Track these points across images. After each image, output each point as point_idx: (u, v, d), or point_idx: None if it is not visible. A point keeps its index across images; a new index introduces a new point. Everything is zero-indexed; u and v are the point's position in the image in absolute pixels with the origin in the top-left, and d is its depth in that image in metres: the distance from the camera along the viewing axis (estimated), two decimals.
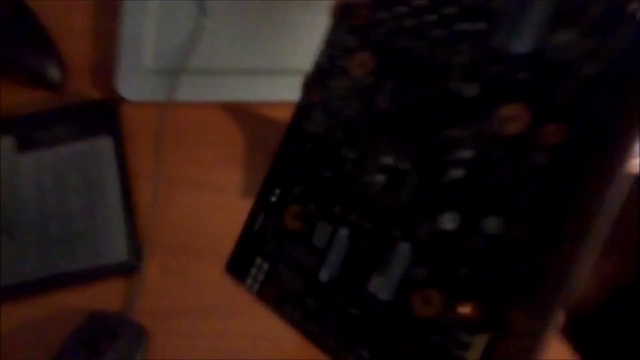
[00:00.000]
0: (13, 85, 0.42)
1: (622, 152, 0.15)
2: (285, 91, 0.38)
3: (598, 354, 0.18)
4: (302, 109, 0.21)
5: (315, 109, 0.21)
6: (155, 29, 0.42)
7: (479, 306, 0.16)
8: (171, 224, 0.38)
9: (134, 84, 0.41)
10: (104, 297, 0.37)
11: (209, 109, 0.40)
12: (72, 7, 0.43)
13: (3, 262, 0.37)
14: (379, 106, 0.19)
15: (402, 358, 0.17)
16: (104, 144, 0.39)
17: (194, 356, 0.36)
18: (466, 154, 0.17)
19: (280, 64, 0.40)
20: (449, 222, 0.17)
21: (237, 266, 0.22)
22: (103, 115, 0.40)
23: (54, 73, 0.41)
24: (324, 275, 0.19)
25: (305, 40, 0.34)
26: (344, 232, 0.19)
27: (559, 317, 0.15)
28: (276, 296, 0.20)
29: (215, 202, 0.38)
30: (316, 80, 0.21)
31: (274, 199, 0.21)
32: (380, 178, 0.19)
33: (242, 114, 0.40)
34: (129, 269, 0.37)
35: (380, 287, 0.18)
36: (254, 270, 0.21)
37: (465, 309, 0.16)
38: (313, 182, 0.20)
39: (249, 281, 0.21)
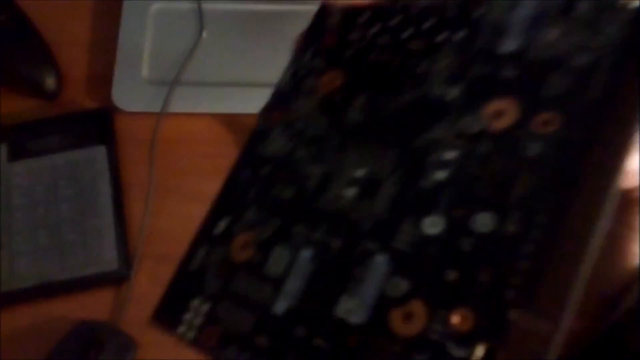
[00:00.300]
0: (8, 93, 0.42)
1: (619, 136, 0.14)
2: None
3: None
4: (258, 135, 0.21)
5: (272, 133, 0.21)
6: (152, 40, 0.43)
7: (471, 313, 0.14)
8: (162, 234, 0.38)
9: (129, 95, 0.41)
10: (94, 306, 0.37)
11: (202, 120, 0.41)
12: (69, 17, 0.44)
13: None
14: (349, 120, 0.19)
15: None
16: (98, 154, 0.39)
17: None
18: (450, 154, 0.17)
19: (274, 76, 0.40)
20: (432, 226, 0.16)
21: (168, 313, 0.20)
22: (97, 125, 0.40)
23: (50, 82, 0.41)
24: (279, 307, 0.17)
25: None
26: (306, 254, 0.18)
27: (570, 314, 0.13)
28: (218, 340, 0.18)
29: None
30: (275, 106, 0.21)
31: (218, 230, 0.20)
32: (351, 191, 0.18)
33: (236, 126, 0.40)
34: (119, 279, 0.37)
35: (351, 309, 0.16)
36: (188, 316, 0.19)
37: (455, 319, 0.14)
38: (269, 206, 0.19)
39: (182, 329, 0.19)
